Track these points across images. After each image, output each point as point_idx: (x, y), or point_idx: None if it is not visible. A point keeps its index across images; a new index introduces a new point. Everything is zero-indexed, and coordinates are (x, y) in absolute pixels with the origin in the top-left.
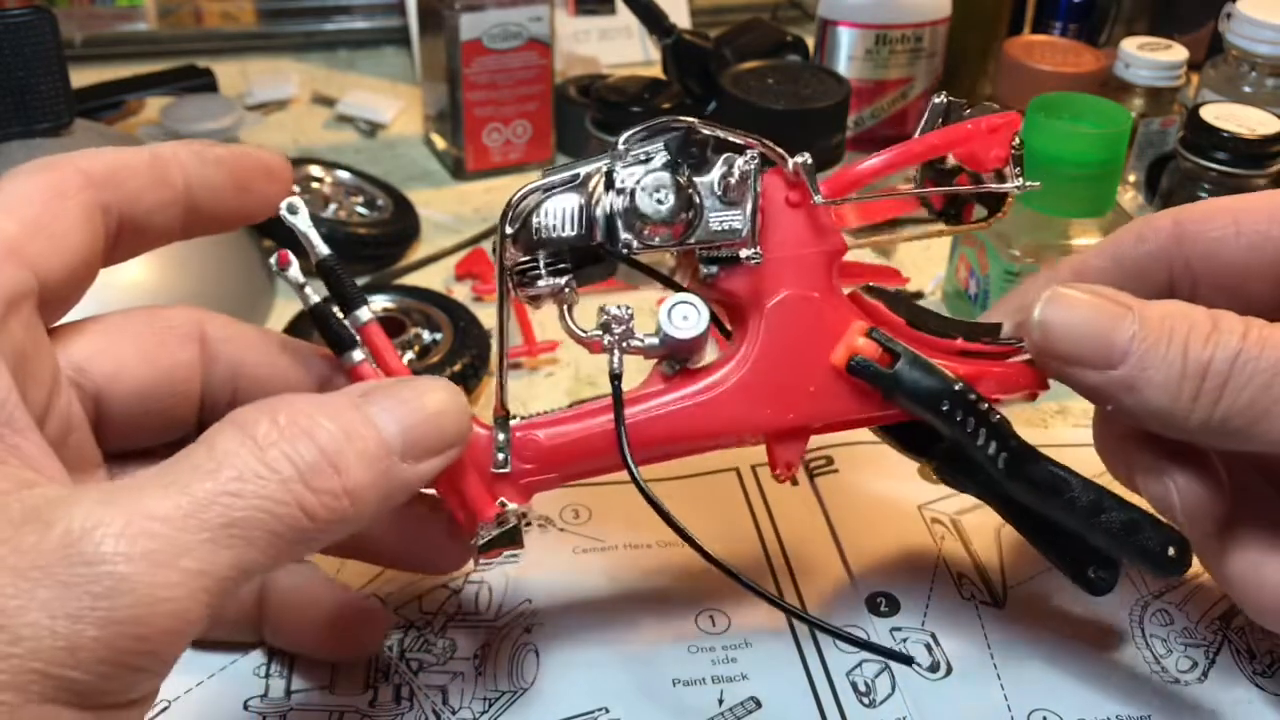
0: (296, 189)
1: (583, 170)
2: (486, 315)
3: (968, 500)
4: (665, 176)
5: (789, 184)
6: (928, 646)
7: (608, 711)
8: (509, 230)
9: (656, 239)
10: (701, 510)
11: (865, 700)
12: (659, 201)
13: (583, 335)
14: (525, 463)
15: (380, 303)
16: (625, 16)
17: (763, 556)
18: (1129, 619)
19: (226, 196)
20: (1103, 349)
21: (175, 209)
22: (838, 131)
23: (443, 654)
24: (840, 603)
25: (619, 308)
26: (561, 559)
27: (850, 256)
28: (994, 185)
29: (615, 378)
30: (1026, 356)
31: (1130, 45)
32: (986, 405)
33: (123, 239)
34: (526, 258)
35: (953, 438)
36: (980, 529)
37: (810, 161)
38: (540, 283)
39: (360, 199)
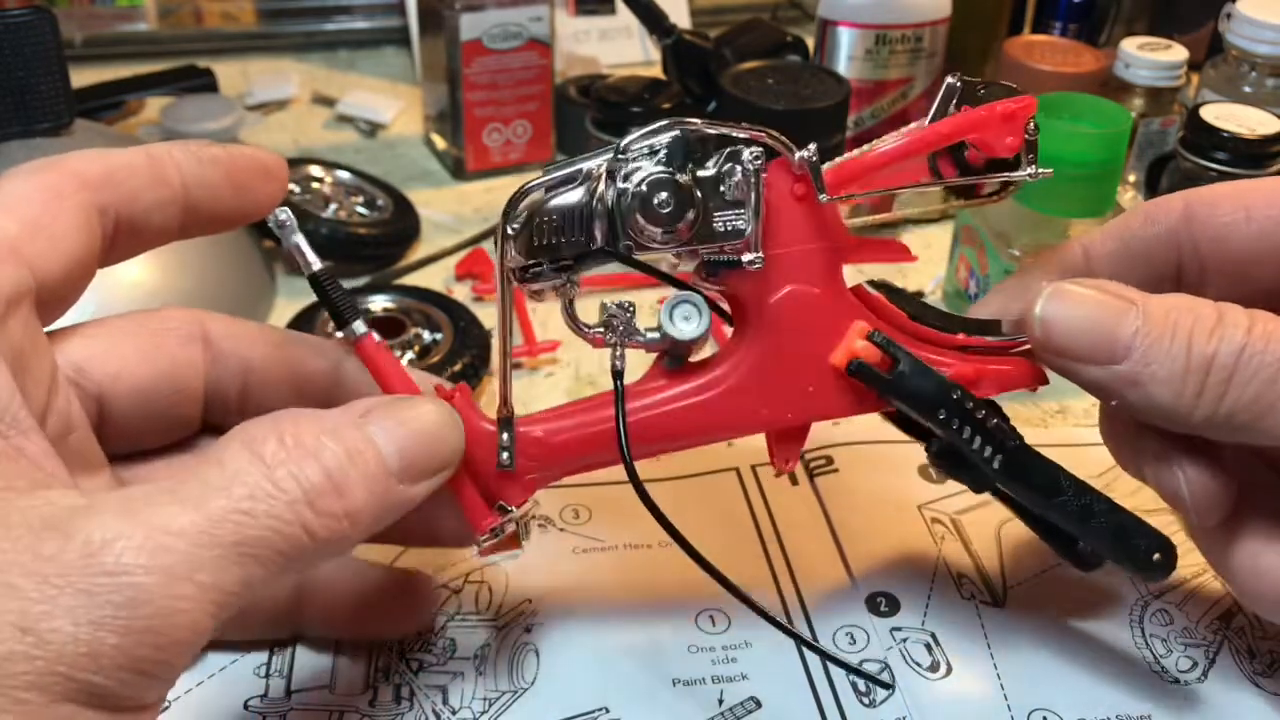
0: (296, 189)
1: (584, 167)
2: (486, 315)
3: (968, 500)
4: (667, 178)
5: (795, 176)
6: (928, 646)
7: (608, 711)
8: (510, 231)
9: (658, 240)
10: (701, 510)
11: (865, 700)
12: (661, 204)
13: (585, 330)
14: (527, 460)
15: (380, 303)
16: (625, 16)
17: (763, 556)
18: (1129, 619)
19: (224, 196)
20: (1105, 344)
21: (173, 209)
22: (838, 132)
23: (443, 654)
24: (840, 603)
25: (621, 304)
26: (561, 559)
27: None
28: (1008, 175)
29: (617, 375)
30: (1027, 347)
31: (1130, 45)
32: (984, 411)
33: (120, 239)
34: (529, 261)
35: (949, 440)
36: (980, 529)
37: (816, 157)
38: (542, 279)
39: (360, 199)
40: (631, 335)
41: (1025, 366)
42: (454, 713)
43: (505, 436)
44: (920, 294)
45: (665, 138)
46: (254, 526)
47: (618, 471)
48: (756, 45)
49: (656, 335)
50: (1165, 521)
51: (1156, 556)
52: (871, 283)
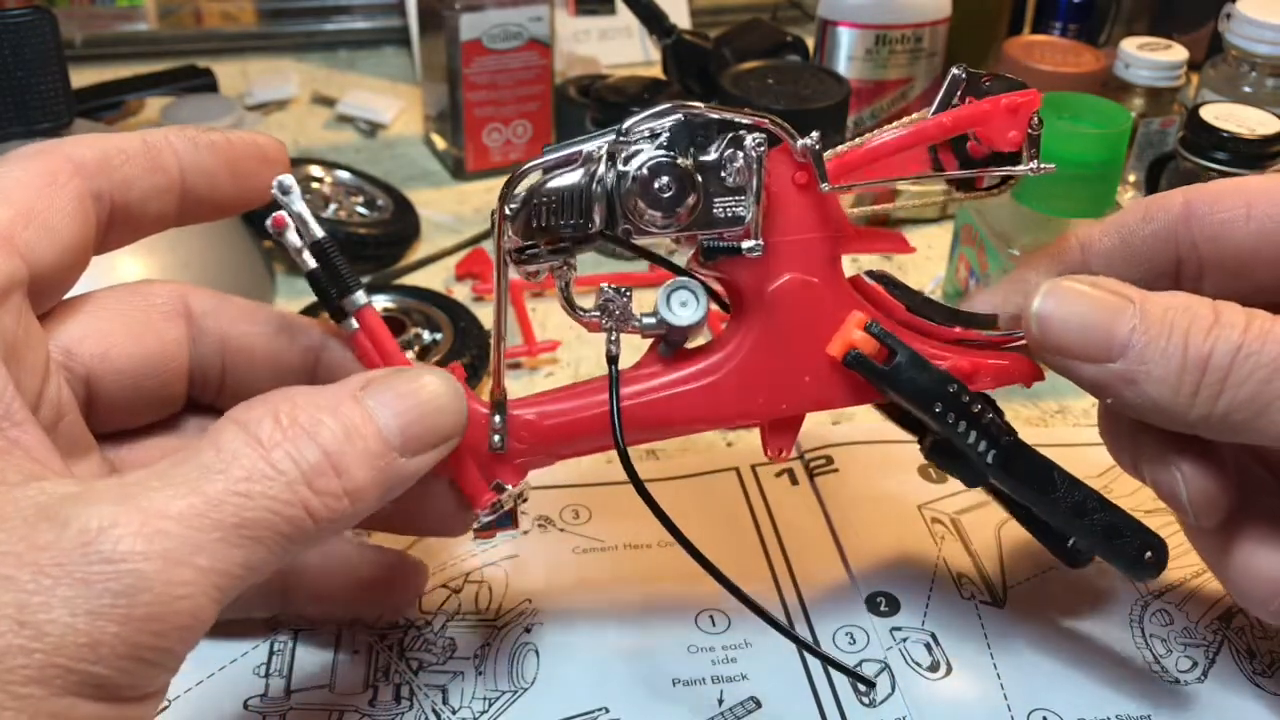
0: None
1: (583, 149)
2: (487, 315)
3: (968, 500)
4: (668, 161)
5: (796, 164)
6: (928, 646)
7: (608, 711)
8: (508, 212)
9: (657, 225)
10: (701, 510)
11: (865, 700)
12: (661, 188)
13: (581, 314)
14: (520, 442)
15: (380, 303)
16: (625, 16)
17: (763, 556)
18: (1129, 619)
19: (221, 183)
20: (1102, 342)
21: (169, 195)
22: (838, 132)
23: (443, 653)
24: (840, 602)
25: (618, 288)
26: (561, 559)
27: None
28: (1010, 169)
29: (612, 360)
30: (1023, 343)
31: (1130, 45)
32: (979, 406)
33: (115, 226)
34: (527, 242)
35: (944, 434)
36: (980, 529)
37: (819, 145)
38: (539, 260)
39: (360, 199)
40: (627, 320)
41: (1022, 362)
42: (454, 713)
43: (498, 419)
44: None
45: (667, 121)
46: (253, 508)
47: (618, 471)
48: (756, 45)
49: (652, 321)
50: (1164, 522)
51: (1148, 555)
52: (869, 273)
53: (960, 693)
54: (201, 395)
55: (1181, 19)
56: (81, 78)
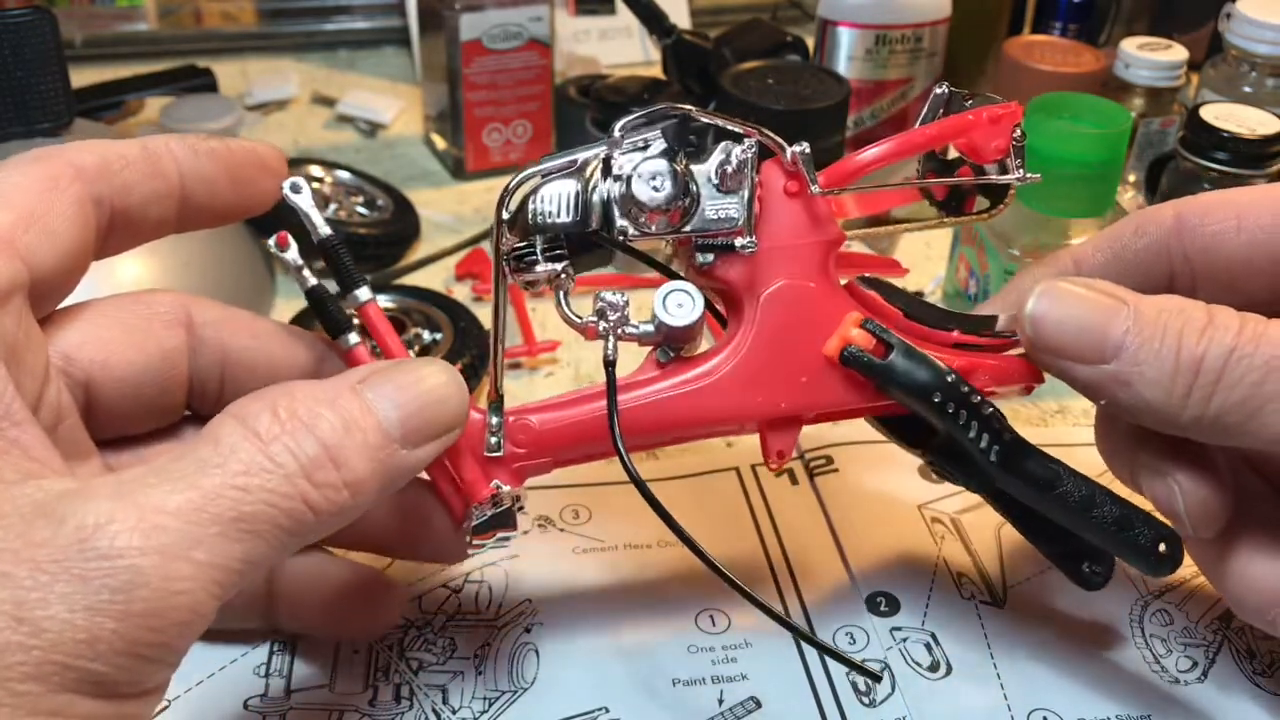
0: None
1: (580, 156)
2: (487, 315)
3: (968, 500)
4: (662, 163)
5: (787, 174)
6: (928, 646)
7: (608, 711)
8: (505, 215)
9: (653, 226)
10: (702, 510)
11: (865, 700)
12: (655, 188)
13: (578, 321)
14: (518, 446)
15: (381, 303)
16: (625, 16)
17: (763, 556)
18: (1129, 619)
19: (220, 190)
20: (1096, 343)
21: (169, 202)
22: (838, 132)
23: (443, 653)
24: (840, 602)
25: (615, 294)
26: (561, 559)
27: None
28: (995, 178)
29: (609, 364)
30: (1020, 350)
31: (1130, 45)
32: (979, 398)
33: (115, 231)
34: (523, 243)
35: (945, 430)
36: (980, 529)
37: (808, 151)
38: (537, 268)
39: (360, 199)
40: (624, 326)
41: (1021, 364)
42: (454, 712)
43: (495, 422)
44: (920, 294)
45: (661, 126)
46: (251, 502)
47: (618, 471)
48: (756, 45)
49: (650, 327)
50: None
51: (1162, 548)
52: (863, 279)
53: (960, 693)
54: (200, 405)
55: (1181, 19)
56: (81, 78)
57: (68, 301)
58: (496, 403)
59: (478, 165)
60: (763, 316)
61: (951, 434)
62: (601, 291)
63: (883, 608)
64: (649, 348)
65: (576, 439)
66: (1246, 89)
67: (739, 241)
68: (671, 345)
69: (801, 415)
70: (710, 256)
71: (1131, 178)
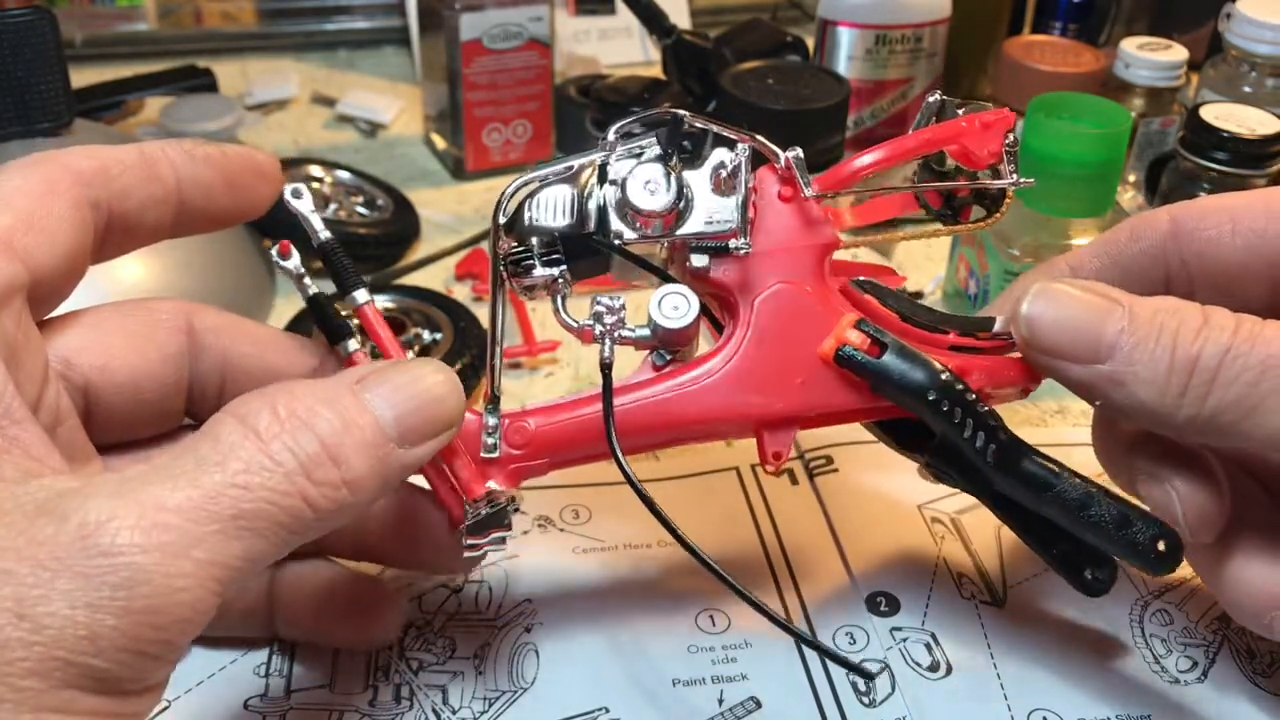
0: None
1: (576, 163)
2: (486, 315)
3: (968, 500)
4: (657, 168)
5: (781, 179)
6: (928, 646)
7: (608, 711)
8: (502, 220)
9: (648, 229)
10: (701, 510)
11: (865, 700)
12: (650, 192)
13: (574, 325)
14: (514, 448)
15: (380, 303)
16: (625, 16)
17: (763, 556)
18: (1129, 619)
19: (217, 195)
20: (1090, 343)
21: (166, 206)
22: (838, 132)
23: (443, 653)
24: (840, 602)
25: (611, 298)
26: (561, 559)
27: (848, 255)
28: (990, 182)
29: (605, 367)
30: (1017, 355)
31: (1130, 45)
32: (974, 397)
33: (112, 236)
34: (520, 247)
35: (941, 431)
36: (980, 529)
37: (801, 155)
38: (535, 272)
39: (360, 199)
40: (620, 330)
41: (1017, 366)
42: (454, 713)
43: (491, 423)
44: (920, 294)
45: (656, 131)
46: (251, 500)
47: (617, 471)
48: (756, 45)
49: (646, 331)
50: None
51: (1161, 546)
52: (856, 282)
53: (960, 693)
54: (199, 411)
55: (1181, 19)
56: (81, 78)
57: (66, 305)
58: (493, 404)
59: (478, 165)
60: (758, 319)
61: (948, 435)
62: (598, 295)
63: (883, 608)
64: (645, 351)
65: (573, 442)
66: (1246, 89)
67: (734, 243)
68: (668, 348)
69: (798, 417)
70: (705, 259)
71: (1131, 178)
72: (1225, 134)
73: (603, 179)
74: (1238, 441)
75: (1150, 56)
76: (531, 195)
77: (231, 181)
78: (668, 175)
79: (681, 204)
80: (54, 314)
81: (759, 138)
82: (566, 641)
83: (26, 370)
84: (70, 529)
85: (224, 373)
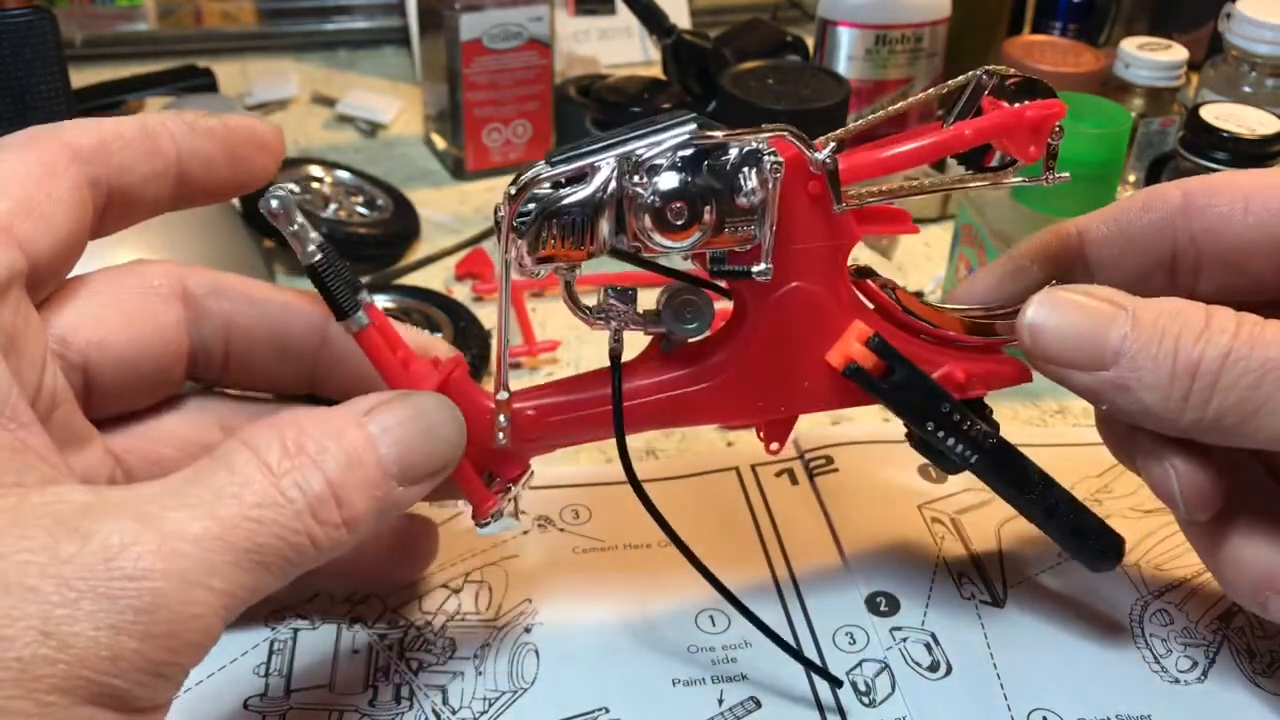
0: (296, 189)
1: (593, 161)
2: (486, 315)
3: (968, 500)
4: (681, 188)
5: (809, 174)
6: (928, 646)
7: (608, 711)
8: (518, 226)
9: (667, 246)
10: (701, 510)
11: (865, 700)
12: (674, 214)
13: (585, 315)
14: (523, 438)
15: (380, 303)
16: (625, 16)
17: (763, 557)
18: (1129, 619)
19: (218, 168)
20: (1094, 351)
21: (166, 180)
22: None
23: (443, 653)
24: (840, 603)
25: (622, 289)
26: (561, 559)
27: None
28: (1024, 180)
29: (615, 358)
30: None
31: (1130, 45)
32: (969, 423)
33: (112, 211)
34: (536, 259)
35: (930, 443)
36: (980, 529)
37: (835, 162)
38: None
39: (360, 199)
40: (631, 321)
41: (1013, 364)
42: (454, 713)
43: (502, 418)
44: (920, 294)
45: (682, 134)
46: (264, 534)
47: (618, 472)
48: (756, 45)
49: (657, 325)
50: (1164, 521)
51: (1107, 554)
52: (861, 271)
53: (960, 693)
54: (204, 376)
55: (1181, 19)
56: (81, 78)
57: None
58: (503, 400)
59: (478, 165)
60: (771, 320)
61: (935, 446)
62: (608, 287)
63: (883, 608)
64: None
65: (581, 430)
66: (1246, 89)
67: (756, 269)
68: (676, 340)
69: (800, 414)
70: (723, 264)
71: (1131, 178)
72: (1225, 134)
73: (620, 195)
74: (1242, 442)
75: (1150, 56)
76: (549, 203)
77: (233, 154)
78: (692, 196)
79: (706, 220)
80: None
81: (793, 130)
82: (566, 641)
83: (26, 359)
84: (93, 549)
85: (228, 336)
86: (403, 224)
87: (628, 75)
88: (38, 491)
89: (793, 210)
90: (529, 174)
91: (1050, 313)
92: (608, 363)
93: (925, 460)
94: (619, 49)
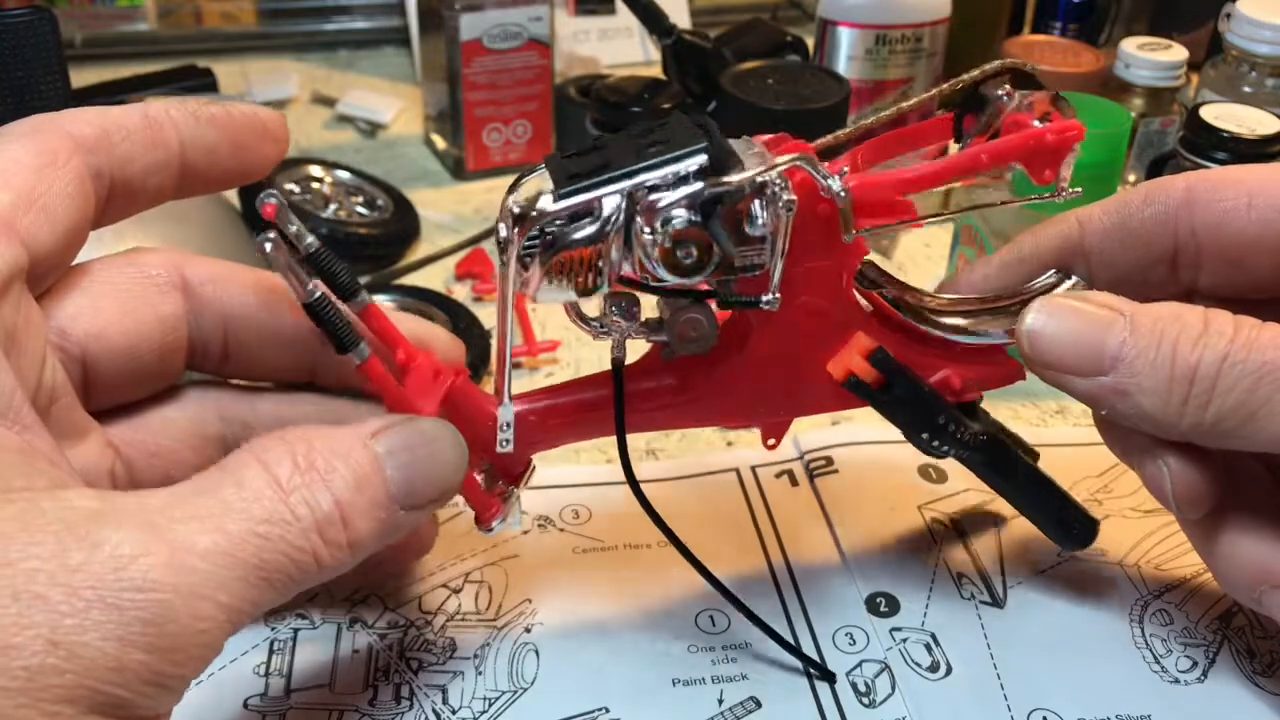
0: (296, 189)
1: (600, 195)
2: (486, 315)
3: (968, 500)
4: (694, 231)
5: (819, 196)
6: (928, 646)
7: (608, 711)
8: (525, 253)
9: (676, 283)
10: (701, 510)
11: (865, 700)
12: (684, 256)
13: (588, 325)
14: (525, 442)
15: (380, 303)
16: (625, 16)
17: (763, 557)
18: (1129, 619)
19: (221, 156)
20: (1092, 357)
21: (169, 170)
22: None
23: (443, 653)
24: (840, 603)
25: (624, 297)
26: (561, 559)
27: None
28: (1036, 198)
29: (617, 369)
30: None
31: (1130, 45)
32: (963, 431)
33: (114, 201)
34: (544, 289)
35: (922, 447)
36: (980, 529)
37: (849, 193)
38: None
39: (360, 199)
40: (633, 329)
41: (1008, 365)
42: (454, 713)
43: (505, 425)
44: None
45: (693, 167)
46: (271, 551)
47: (618, 472)
48: (756, 45)
49: (659, 334)
50: (1165, 521)
51: (1081, 539)
52: (864, 276)
53: (960, 693)
54: (203, 365)
55: (1181, 19)
56: (81, 78)
57: None
58: (505, 405)
59: (478, 165)
60: (775, 333)
61: (925, 449)
62: (610, 300)
63: (883, 608)
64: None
65: (583, 432)
66: (1246, 89)
67: (765, 299)
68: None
69: (799, 417)
70: (729, 289)
71: (1131, 178)
72: (1225, 134)
73: (628, 231)
74: (1242, 445)
75: (1150, 56)
76: (555, 239)
77: (236, 142)
78: (703, 240)
79: (713, 258)
80: None
81: (810, 158)
82: (566, 641)
83: (27, 354)
84: (103, 558)
85: (226, 327)
86: (403, 224)
87: (628, 75)
88: (46, 496)
89: (802, 229)
90: (534, 209)
91: (1049, 319)
92: (609, 366)
93: (925, 461)
94: (619, 49)
